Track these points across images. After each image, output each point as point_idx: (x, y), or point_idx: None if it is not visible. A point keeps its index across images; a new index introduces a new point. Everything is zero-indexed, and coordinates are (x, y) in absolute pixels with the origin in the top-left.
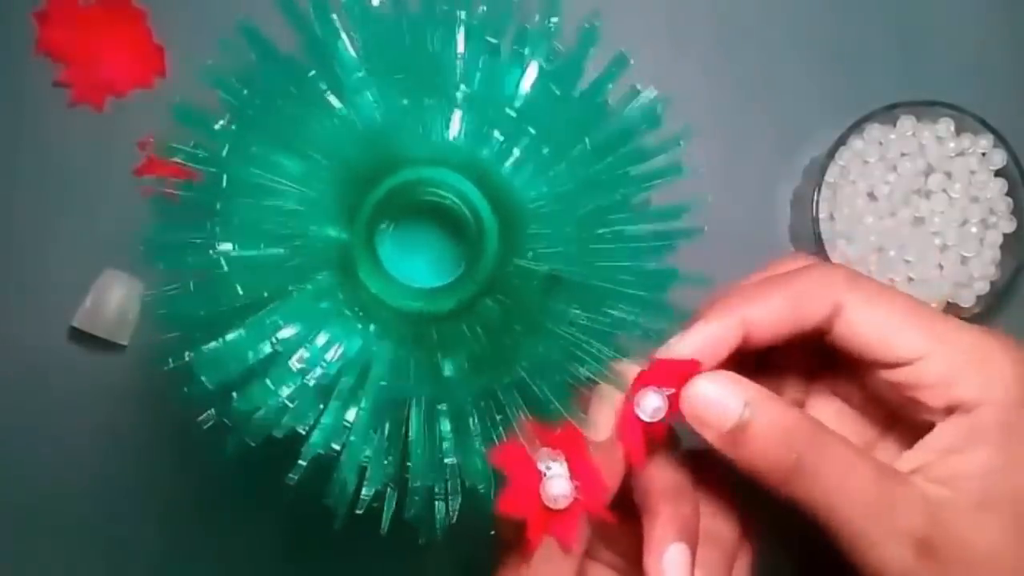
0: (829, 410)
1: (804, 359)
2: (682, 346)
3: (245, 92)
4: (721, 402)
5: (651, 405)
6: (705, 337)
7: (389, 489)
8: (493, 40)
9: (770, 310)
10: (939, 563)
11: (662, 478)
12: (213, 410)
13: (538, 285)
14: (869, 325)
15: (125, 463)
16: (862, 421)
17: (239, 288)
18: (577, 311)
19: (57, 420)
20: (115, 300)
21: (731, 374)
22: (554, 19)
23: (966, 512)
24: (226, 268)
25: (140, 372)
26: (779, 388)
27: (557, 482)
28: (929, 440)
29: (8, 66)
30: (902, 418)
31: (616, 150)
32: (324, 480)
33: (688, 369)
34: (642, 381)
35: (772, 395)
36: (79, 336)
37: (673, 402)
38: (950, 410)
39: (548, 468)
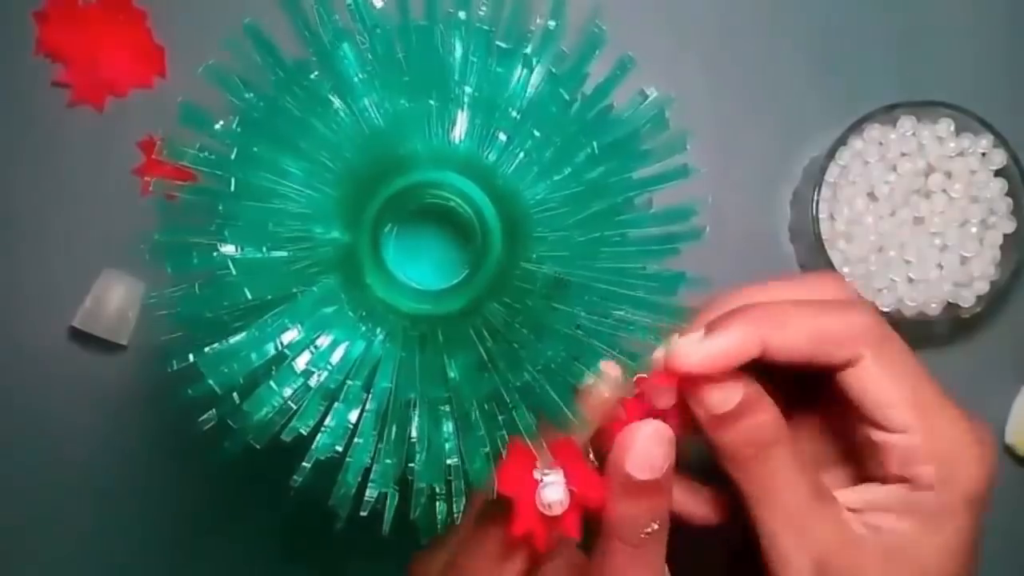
0: (804, 419)
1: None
2: (699, 351)
3: (249, 94)
4: (723, 393)
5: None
6: (723, 349)
7: (391, 490)
8: (503, 45)
9: (792, 340)
10: None
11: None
12: (214, 411)
13: (544, 287)
14: (876, 387)
15: (125, 462)
16: (826, 441)
17: (247, 291)
18: (583, 313)
19: (57, 420)
20: (115, 300)
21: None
22: (558, 22)
23: (873, 557)
24: (234, 272)
25: (140, 372)
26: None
27: (552, 489)
28: (873, 491)
29: (8, 66)
30: (861, 459)
31: (621, 153)
32: (324, 480)
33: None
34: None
35: (763, 397)
36: (79, 336)
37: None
38: (903, 479)
39: (545, 475)
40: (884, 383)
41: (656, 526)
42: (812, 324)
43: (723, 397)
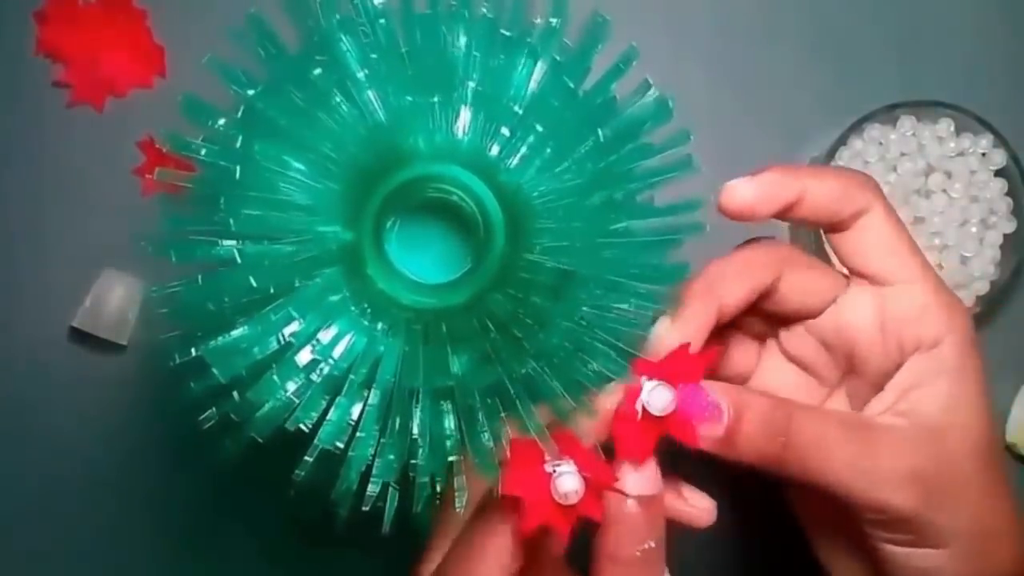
0: (782, 371)
1: (755, 322)
2: (746, 188)
3: (253, 86)
4: (711, 416)
5: (663, 399)
6: (771, 181)
7: (392, 487)
8: (506, 33)
9: (826, 186)
10: (928, 486)
11: None
12: (215, 408)
13: (547, 279)
14: (888, 232)
15: (125, 462)
16: (813, 378)
17: (253, 281)
18: (586, 305)
19: (57, 420)
20: (115, 300)
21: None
22: (560, 19)
23: (937, 439)
24: (239, 260)
25: (140, 372)
26: (731, 351)
27: (566, 479)
28: (897, 379)
29: (8, 66)
30: (853, 370)
31: (624, 145)
32: (326, 478)
33: (699, 363)
34: (645, 371)
35: (746, 390)
36: (79, 336)
37: (687, 401)
38: (915, 347)
39: (557, 467)
40: (894, 230)
41: (652, 544)
42: (837, 177)
43: (713, 421)
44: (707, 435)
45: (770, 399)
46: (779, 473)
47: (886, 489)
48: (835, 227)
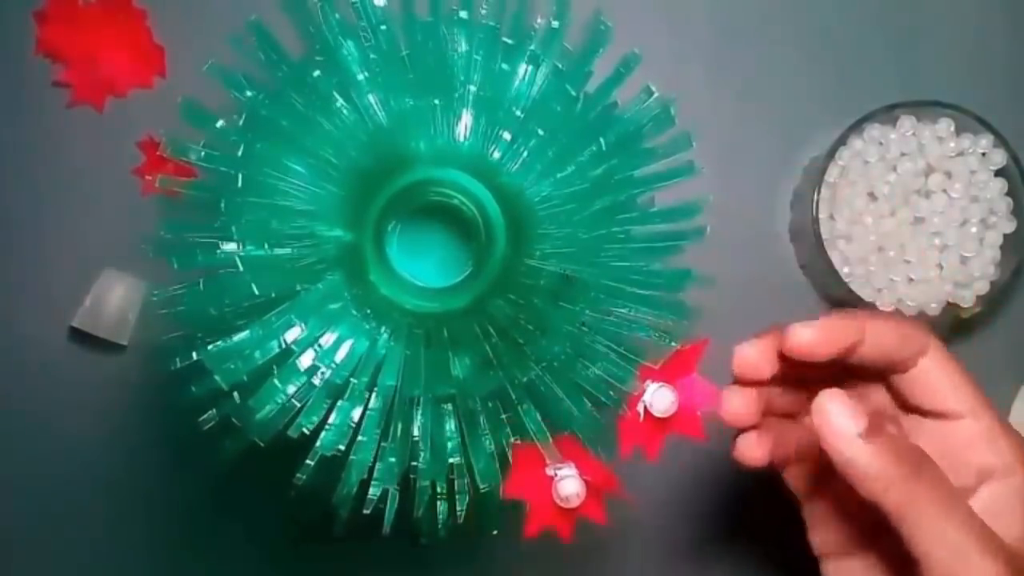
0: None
1: None
2: (806, 331)
3: (254, 91)
4: (844, 423)
5: (666, 400)
6: (832, 326)
7: (393, 489)
8: (508, 41)
9: (886, 329)
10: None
11: None
12: (215, 411)
13: (549, 284)
14: (943, 375)
15: (125, 463)
16: None
17: (255, 287)
18: (587, 311)
19: (57, 420)
20: (115, 300)
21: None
22: (562, 21)
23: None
24: (241, 268)
25: (140, 372)
26: None
27: (568, 482)
28: (975, 505)
29: (8, 66)
30: None
31: (626, 150)
32: (327, 480)
33: (692, 356)
34: (646, 376)
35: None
36: (79, 336)
37: (685, 393)
38: (987, 473)
39: (558, 470)
40: (954, 368)
41: None
42: (895, 320)
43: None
44: (843, 433)
45: (902, 436)
46: (881, 498)
47: (998, 560)
48: (895, 368)
